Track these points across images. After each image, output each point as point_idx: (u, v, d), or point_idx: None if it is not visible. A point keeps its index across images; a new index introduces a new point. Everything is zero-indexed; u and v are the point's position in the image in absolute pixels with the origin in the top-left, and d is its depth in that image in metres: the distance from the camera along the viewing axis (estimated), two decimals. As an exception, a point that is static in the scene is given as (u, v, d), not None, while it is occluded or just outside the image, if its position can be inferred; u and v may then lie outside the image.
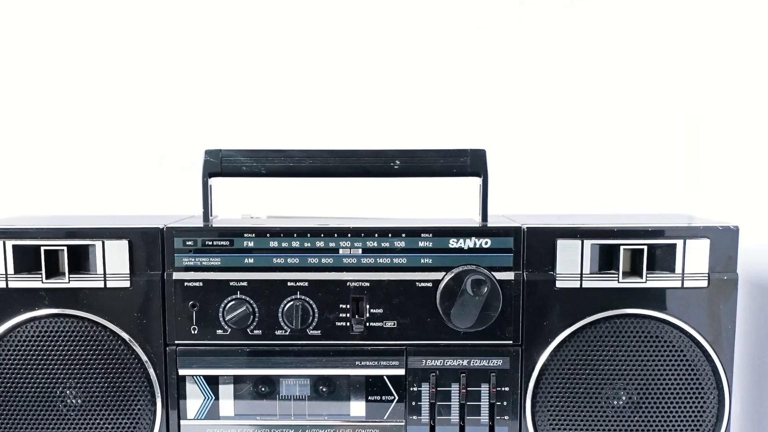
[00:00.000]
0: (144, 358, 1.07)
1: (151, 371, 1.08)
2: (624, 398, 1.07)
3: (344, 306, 1.07)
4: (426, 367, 1.09)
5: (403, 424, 1.10)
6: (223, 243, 1.07)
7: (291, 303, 1.07)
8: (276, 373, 1.09)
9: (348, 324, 1.08)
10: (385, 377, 1.09)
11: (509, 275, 1.07)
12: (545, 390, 1.08)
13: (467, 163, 1.14)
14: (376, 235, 1.07)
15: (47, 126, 1.46)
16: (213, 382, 1.09)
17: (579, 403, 1.07)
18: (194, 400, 1.09)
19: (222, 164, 1.13)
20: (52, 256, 1.07)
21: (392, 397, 1.09)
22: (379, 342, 1.08)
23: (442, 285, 1.06)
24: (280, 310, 1.07)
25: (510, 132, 1.44)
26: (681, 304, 1.07)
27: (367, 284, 1.07)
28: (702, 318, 1.07)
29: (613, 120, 1.45)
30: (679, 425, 1.07)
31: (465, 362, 1.08)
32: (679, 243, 1.06)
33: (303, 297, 1.07)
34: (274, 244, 1.07)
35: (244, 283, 1.07)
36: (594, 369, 1.07)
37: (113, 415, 1.08)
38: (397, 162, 1.13)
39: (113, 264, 1.07)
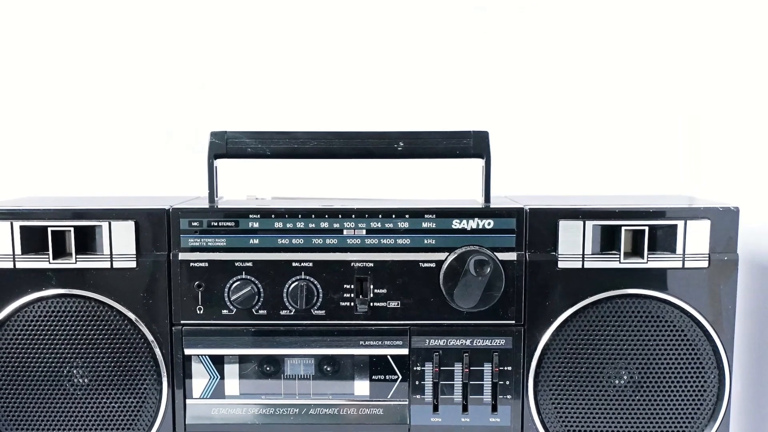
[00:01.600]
0: (150, 337, 1.08)
1: (157, 351, 1.09)
2: (625, 377, 1.08)
3: (348, 286, 1.08)
4: (429, 346, 1.09)
5: (407, 403, 1.10)
6: (229, 224, 1.08)
7: (296, 283, 1.08)
8: (281, 352, 1.10)
9: (352, 304, 1.08)
10: (388, 357, 1.10)
11: (512, 256, 1.08)
12: (547, 369, 1.09)
13: (470, 144, 1.14)
14: (380, 215, 1.08)
15: (54, 107, 1.46)
16: (218, 362, 1.10)
17: (581, 383, 1.08)
18: (200, 379, 1.10)
19: (227, 146, 1.14)
20: (59, 236, 1.08)
21: (396, 377, 1.10)
22: (382, 322, 1.09)
23: (445, 265, 1.07)
24: (285, 290, 1.08)
25: (513, 114, 1.44)
26: (682, 285, 1.07)
27: (371, 265, 1.08)
28: (703, 298, 1.07)
29: (616, 104, 1.45)
30: (679, 404, 1.08)
31: (468, 342, 1.09)
32: (680, 224, 1.07)
33: (307, 277, 1.08)
34: (278, 224, 1.08)
35: (249, 264, 1.08)
36: (596, 348, 1.07)
37: (120, 394, 1.09)
38: (401, 144, 1.14)
39: (120, 244, 1.07)
